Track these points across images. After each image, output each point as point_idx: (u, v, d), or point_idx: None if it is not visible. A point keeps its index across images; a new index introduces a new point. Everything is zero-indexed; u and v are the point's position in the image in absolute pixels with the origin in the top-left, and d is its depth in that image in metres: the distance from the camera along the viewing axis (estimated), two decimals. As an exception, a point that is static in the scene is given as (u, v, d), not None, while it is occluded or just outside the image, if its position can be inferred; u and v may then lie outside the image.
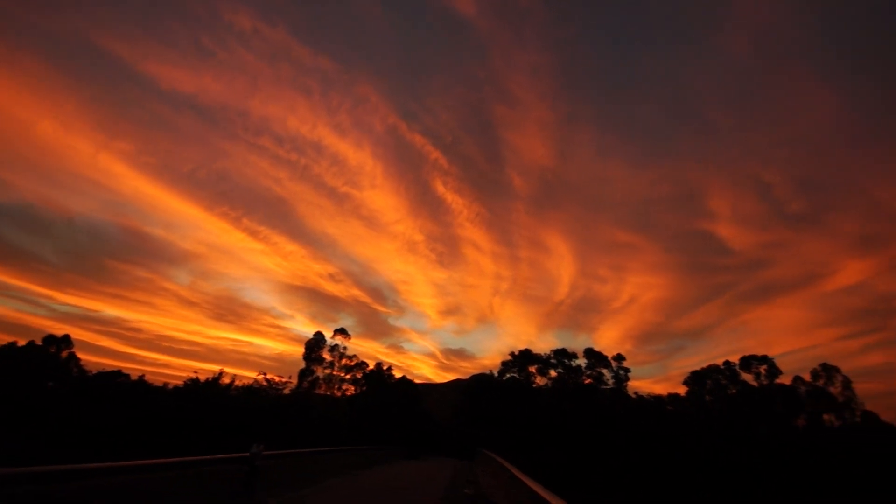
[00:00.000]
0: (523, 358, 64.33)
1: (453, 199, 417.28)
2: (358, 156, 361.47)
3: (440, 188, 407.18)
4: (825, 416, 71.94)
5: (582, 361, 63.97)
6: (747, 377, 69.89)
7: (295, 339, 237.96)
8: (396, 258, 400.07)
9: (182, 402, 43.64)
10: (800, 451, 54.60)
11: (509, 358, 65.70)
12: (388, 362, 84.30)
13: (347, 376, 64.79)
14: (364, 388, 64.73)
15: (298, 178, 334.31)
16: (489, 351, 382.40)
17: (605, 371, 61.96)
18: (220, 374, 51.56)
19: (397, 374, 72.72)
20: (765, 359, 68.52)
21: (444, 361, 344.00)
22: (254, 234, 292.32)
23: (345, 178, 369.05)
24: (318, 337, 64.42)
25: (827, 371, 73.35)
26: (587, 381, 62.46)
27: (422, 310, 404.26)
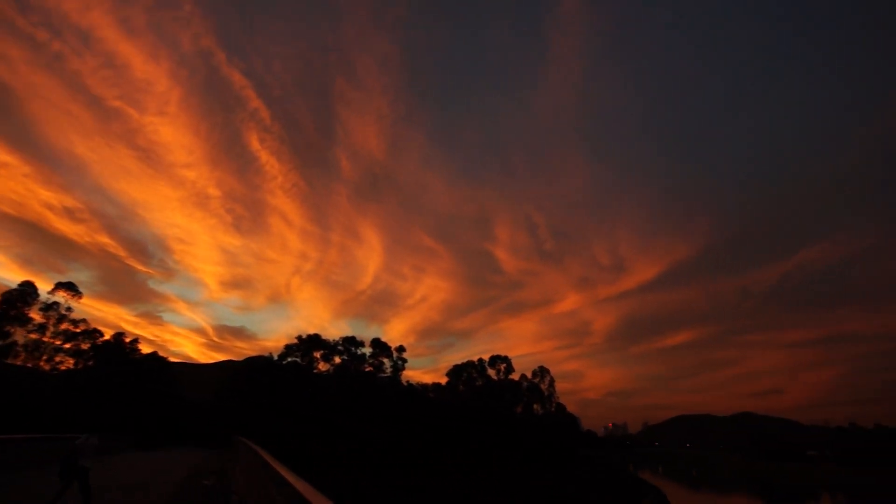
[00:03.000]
0: (310, 343, 62.65)
1: (269, 161, 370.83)
2: (149, 69, 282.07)
3: (255, 144, 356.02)
4: (535, 406, 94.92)
5: (368, 350, 66.66)
6: (491, 372, 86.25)
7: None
8: (178, 210, 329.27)
9: None
10: (512, 430, 70.12)
11: (296, 342, 62.93)
12: (135, 333, 69.10)
13: (67, 346, 49.82)
14: (92, 363, 51.09)
15: (43, 67, 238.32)
16: (275, 333, 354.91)
17: (385, 360, 66.17)
18: None
19: (146, 349, 60.78)
20: (505, 359, 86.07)
21: (216, 340, 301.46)
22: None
23: (121, 90, 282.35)
24: (27, 288, 47.38)
25: (542, 372, 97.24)
26: (368, 369, 65.35)
27: (200, 277, 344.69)
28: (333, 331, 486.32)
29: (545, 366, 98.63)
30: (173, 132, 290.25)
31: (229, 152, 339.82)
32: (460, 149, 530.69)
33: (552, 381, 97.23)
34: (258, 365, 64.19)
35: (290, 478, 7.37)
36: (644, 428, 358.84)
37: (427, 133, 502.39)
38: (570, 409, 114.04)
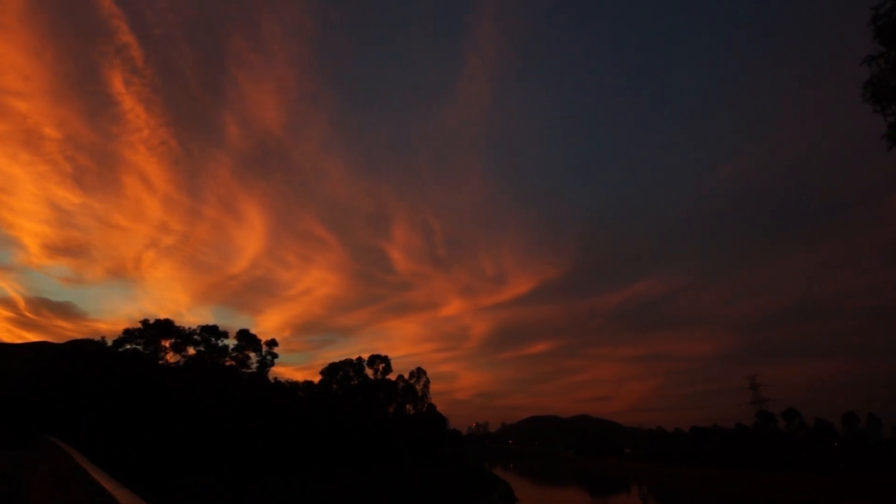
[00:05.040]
0: (159, 329, 54.51)
1: (133, 109, 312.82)
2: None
3: (118, 86, 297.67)
4: (408, 406, 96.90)
5: (233, 342, 60.52)
6: (369, 372, 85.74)
7: None
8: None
9: None
10: (381, 429, 70.58)
11: (140, 326, 54.07)
12: None
13: None
14: None
15: None
16: (113, 314, 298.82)
17: (252, 354, 60.96)
18: None
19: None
20: (385, 359, 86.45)
21: (29, 315, 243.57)
22: None
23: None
24: None
25: (419, 373, 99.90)
26: (230, 363, 59.43)
27: (15, 235, 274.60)
28: (192, 318, 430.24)
29: (422, 367, 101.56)
30: (5, 49, 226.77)
31: (81, 89, 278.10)
32: (366, 142, 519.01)
33: (427, 382, 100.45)
34: (86, 350, 53.63)
35: (109, 485, 6.55)
36: (502, 427, 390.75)
37: (333, 118, 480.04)
38: (441, 408, 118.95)
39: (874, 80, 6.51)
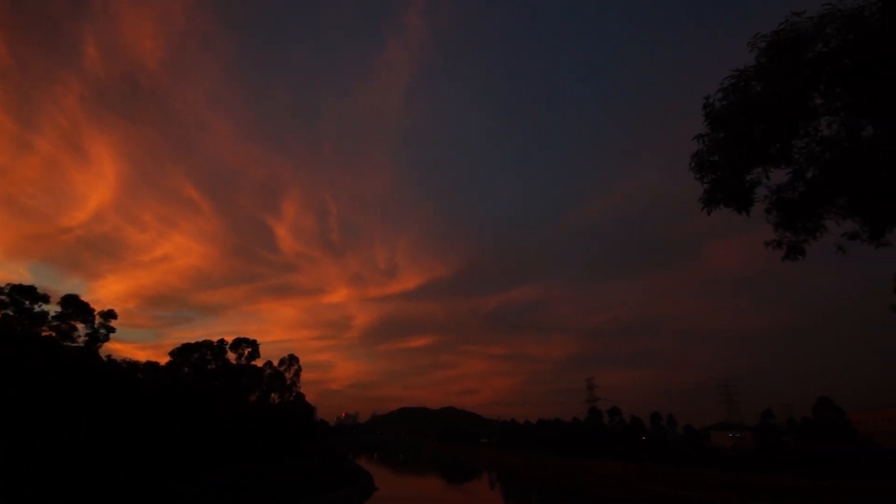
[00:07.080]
0: (-57, 283, 42.06)
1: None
2: None
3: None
4: (273, 395, 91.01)
5: (56, 309, 49.42)
6: (232, 356, 78.17)
7: None
8: None
9: None
10: (235, 419, 65.05)
11: None
12: None
13: None
14: None
15: None
16: None
17: (80, 325, 50.79)
18: None
19: None
20: (252, 342, 79.72)
21: None
22: None
23: None
24: None
25: (290, 360, 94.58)
26: (47, 333, 48.57)
27: None
28: (2, 274, 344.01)
29: (297, 354, 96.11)
30: None
31: None
32: (265, 104, 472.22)
33: (299, 371, 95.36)
34: None
35: None
36: (372, 418, 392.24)
37: (228, 67, 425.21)
38: (312, 398, 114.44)
39: (699, 153, 8.22)
